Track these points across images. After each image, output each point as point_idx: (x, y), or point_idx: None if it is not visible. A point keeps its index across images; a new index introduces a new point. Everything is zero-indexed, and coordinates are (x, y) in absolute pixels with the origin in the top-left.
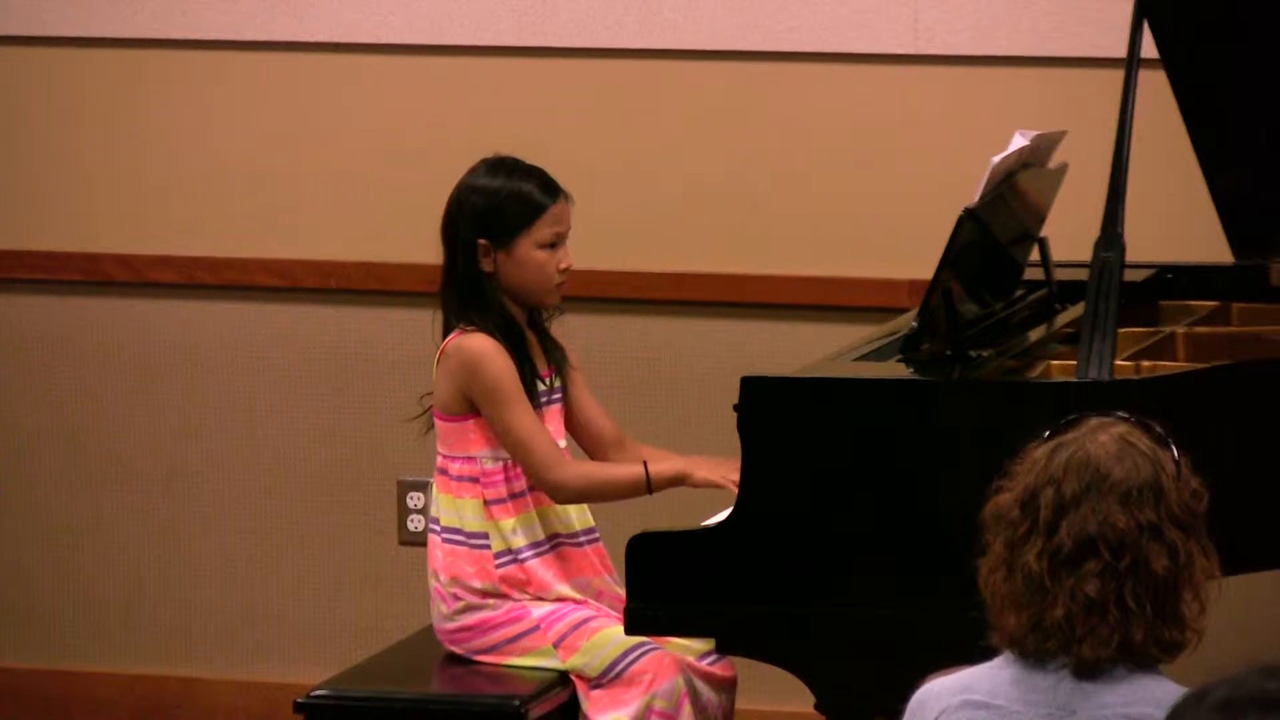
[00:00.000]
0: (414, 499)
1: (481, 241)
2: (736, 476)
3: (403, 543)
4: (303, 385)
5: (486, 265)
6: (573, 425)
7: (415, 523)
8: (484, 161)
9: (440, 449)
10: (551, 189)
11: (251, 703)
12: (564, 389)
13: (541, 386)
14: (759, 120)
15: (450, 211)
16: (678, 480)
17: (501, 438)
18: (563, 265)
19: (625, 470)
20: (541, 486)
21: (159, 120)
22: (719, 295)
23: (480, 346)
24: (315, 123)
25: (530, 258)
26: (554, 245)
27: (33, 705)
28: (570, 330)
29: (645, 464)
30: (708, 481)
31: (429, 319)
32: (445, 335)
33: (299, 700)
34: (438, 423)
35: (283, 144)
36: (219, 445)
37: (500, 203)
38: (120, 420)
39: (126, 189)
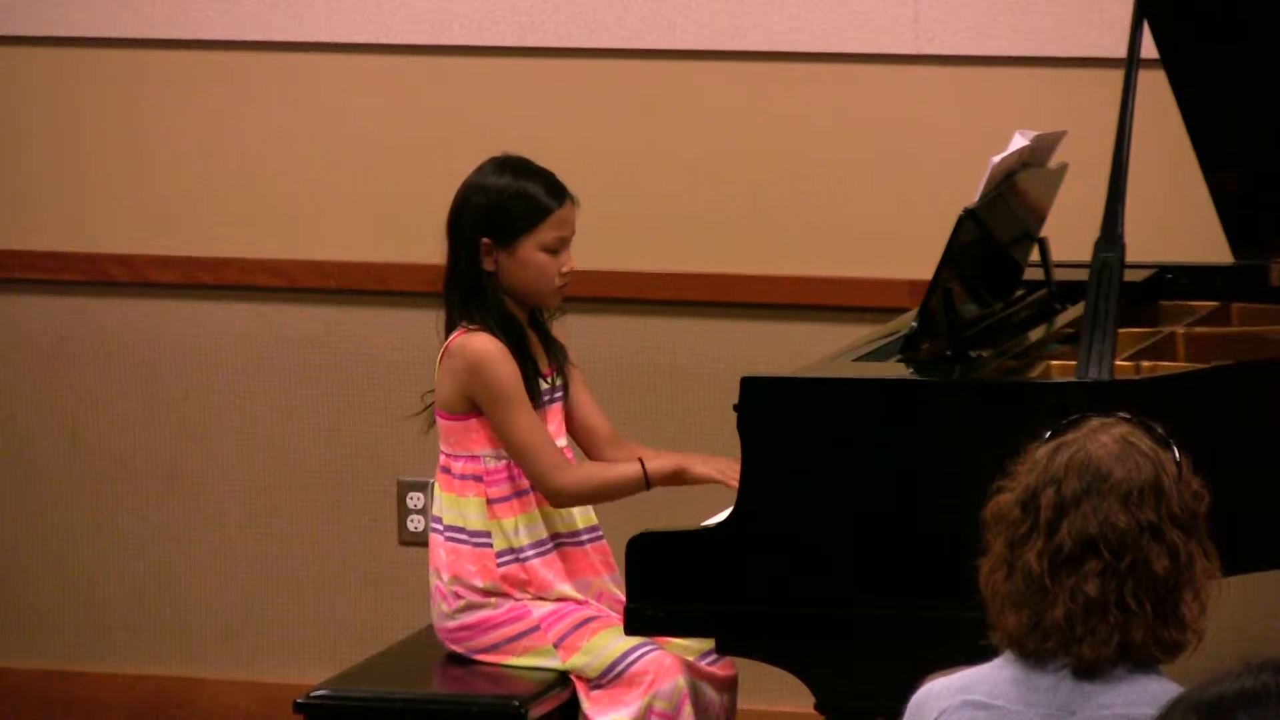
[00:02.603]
0: (414, 499)
1: (485, 240)
2: (735, 471)
3: (403, 543)
4: (302, 385)
5: (488, 264)
6: (570, 423)
7: (415, 523)
8: (492, 160)
9: (443, 447)
10: (558, 192)
11: (251, 703)
12: (565, 387)
13: (544, 385)
14: (759, 120)
15: (455, 208)
16: (675, 476)
17: (502, 440)
18: (565, 269)
19: (623, 470)
20: (541, 490)
21: (159, 120)
22: (719, 295)
23: (483, 348)
24: (315, 123)
25: (532, 259)
26: (557, 249)
27: (33, 705)
28: (570, 330)
29: (642, 461)
30: (706, 476)
31: (429, 319)
32: (449, 333)
33: (299, 700)
34: (440, 421)
35: (283, 144)
36: (219, 445)
37: (505, 202)
38: (121, 420)
39: (127, 189)
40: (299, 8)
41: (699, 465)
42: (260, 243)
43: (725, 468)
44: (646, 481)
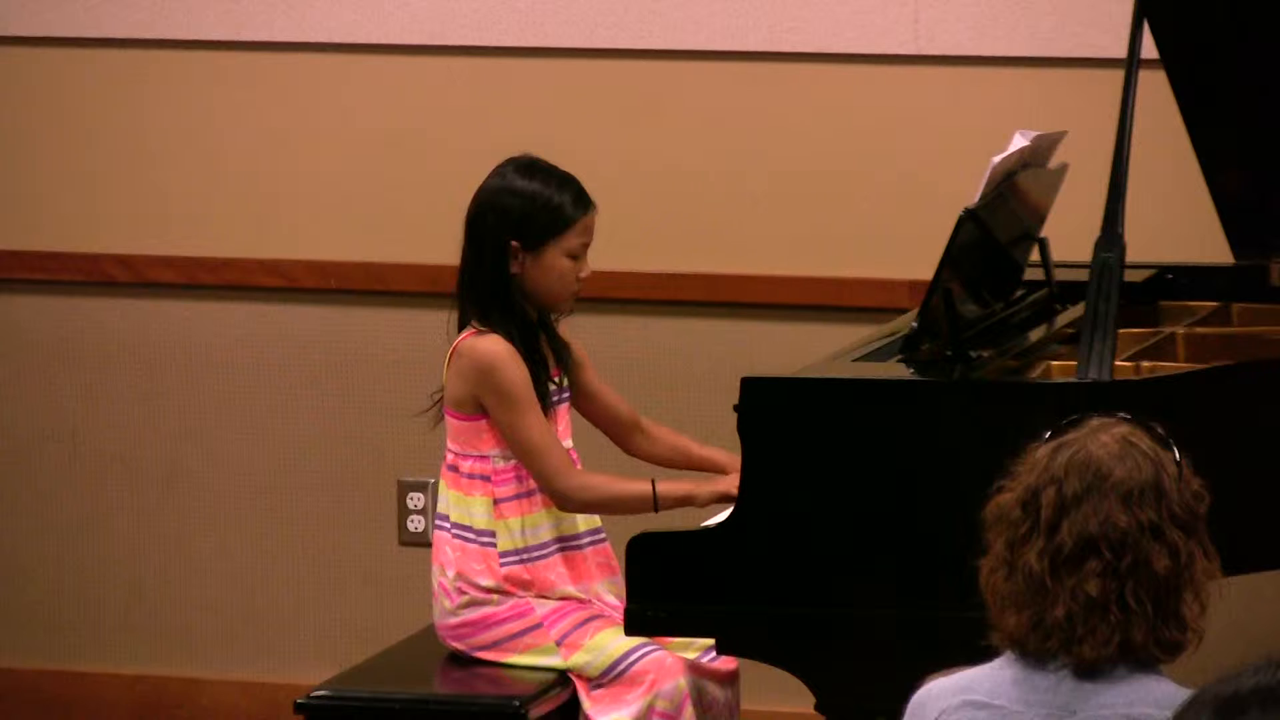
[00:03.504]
0: (414, 499)
1: (514, 243)
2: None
3: (403, 543)
4: (303, 385)
5: (515, 267)
6: (592, 414)
7: (415, 523)
8: (512, 162)
9: (451, 446)
10: (584, 199)
11: (251, 703)
12: (572, 388)
13: (553, 386)
14: (759, 120)
15: (479, 209)
16: (686, 502)
17: (511, 443)
18: (583, 274)
19: (633, 487)
20: (548, 493)
21: (159, 120)
22: (719, 295)
23: (493, 350)
24: (315, 123)
25: (556, 264)
26: (579, 255)
27: (33, 705)
28: (571, 330)
29: (654, 482)
30: (716, 498)
31: (429, 319)
32: (460, 332)
33: (299, 700)
34: (449, 420)
35: (283, 144)
36: (219, 445)
37: (537, 207)
38: (120, 420)
39: (127, 189)
40: (299, 8)
41: (705, 489)
42: (260, 243)
43: (732, 485)
44: (655, 504)
